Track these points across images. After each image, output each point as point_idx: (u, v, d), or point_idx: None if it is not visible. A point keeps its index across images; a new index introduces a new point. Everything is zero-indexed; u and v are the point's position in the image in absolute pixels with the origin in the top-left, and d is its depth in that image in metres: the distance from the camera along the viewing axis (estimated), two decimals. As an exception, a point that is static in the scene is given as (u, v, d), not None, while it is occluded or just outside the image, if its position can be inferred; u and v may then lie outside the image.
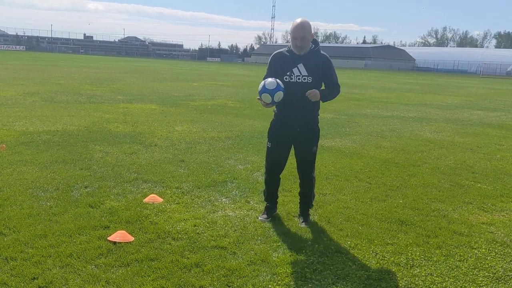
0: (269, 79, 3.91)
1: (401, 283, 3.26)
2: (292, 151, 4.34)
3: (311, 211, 4.51)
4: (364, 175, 6.15)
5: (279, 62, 4.07)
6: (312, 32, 4.00)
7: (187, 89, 19.28)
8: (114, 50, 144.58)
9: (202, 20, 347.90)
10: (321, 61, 4.03)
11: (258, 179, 5.60)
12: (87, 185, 5.08)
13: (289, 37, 4.08)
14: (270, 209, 4.42)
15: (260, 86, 3.92)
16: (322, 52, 4.06)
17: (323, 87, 4.15)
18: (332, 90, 4.11)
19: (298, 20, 3.93)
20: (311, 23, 3.96)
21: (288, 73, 3.99)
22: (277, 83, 3.88)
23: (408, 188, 5.64)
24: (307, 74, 3.97)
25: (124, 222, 4.07)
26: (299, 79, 3.97)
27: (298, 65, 3.98)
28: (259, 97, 3.97)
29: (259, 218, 4.33)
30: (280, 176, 4.43)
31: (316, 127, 4.23)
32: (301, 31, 3.88)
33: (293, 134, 4.15)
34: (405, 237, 4.06)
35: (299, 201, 4.43)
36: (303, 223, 4.25)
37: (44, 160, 6.07)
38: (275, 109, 4.22)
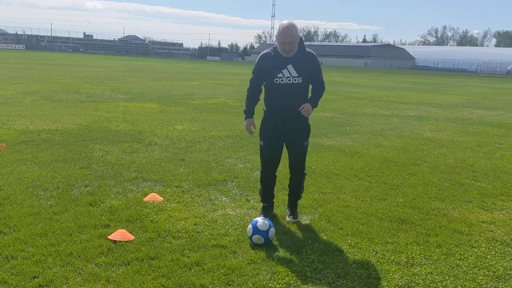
0: (260, 222, 3.73)
1: (401, 282, 3.26)
2: (284, 148, 4.32)
3: (311, 210, 4.52)
4: (364, 174, 6.15)
5: (267, 63, 4.05)
6: (300, 33, 3.98)
7: (187, 88, 19.28)
8: (114, 49, 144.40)
9: (201, 19, 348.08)
10: (309, 60, 4.05)
11: (258, 178, 5.58)
12: (87, 184, 5.08)
13: None
14: (267, 209, 4.40)
15: (250, 228, 3.74)
16: (307, 49, 4.06)
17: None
18: (318, 92, 4.15)
19: (285, 23, 3.89)
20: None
21: (278, 75, 3.99)
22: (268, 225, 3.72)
23: (408, 187, 5.64)
24: (297, 75, 3.98)
25: (124, 221, 4.07)
26: (289, 80, 3.98)
27: (287, 66, 3.97)
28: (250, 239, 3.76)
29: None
30: (276, 174, 4.42)
31: (307, 123, 4.22)
32: (290, 37, 3.85)
33: (285, 132, 4.15)
34: (405, 236, 4.06)
35: (288, 192, 4.43)
36: (290, 216, 4.27)
37: (44, 159, 6.07)
38: (264, 108, 4.22)
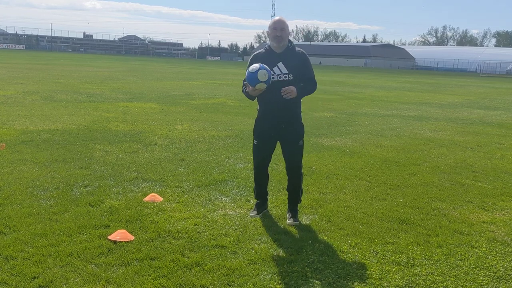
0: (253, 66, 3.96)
1: (401, 282, 3.25)
2: (278, 149, 4.34)
3: (311, 210, 4.52)
4: (364, 174, 6.14)
5: (259, 61, 4.08)
6: (290, 31, 4.17)
7: (187, 88, 19.27)
8: (113, 49, 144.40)
9: (200, 19, 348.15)
10: (299, 57, 4.14)
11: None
12: (87, 184, 5.07)
13: None
14: (260, 206, 4.45)
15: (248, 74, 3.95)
16: (297, 48, 4.19)
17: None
18: (308, 84, 4.18)
19: (277, 17, 4.17)
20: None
21: None
22: (260, 67, 3.93)
23: (408, 187, 5.64)
24: (287, 72, 4.05)
25: (125, 221, 4.07)
26: (280, 77, 4.04)
27: (278, 64, 4.06)
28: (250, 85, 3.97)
29: (250, 214, 4.38)
30: (269, 173, 4.46)
31: (300, 123, 4.27)
32: (281, 23, 4.07)
33: (278, 131, 4.19)
34: (406, 236, 4.06)
35: (287, 197, 4.44)
36: (291, 219, 4.25)
37: (44, 159, 6.07)
38: (258, 107, 4.27)
